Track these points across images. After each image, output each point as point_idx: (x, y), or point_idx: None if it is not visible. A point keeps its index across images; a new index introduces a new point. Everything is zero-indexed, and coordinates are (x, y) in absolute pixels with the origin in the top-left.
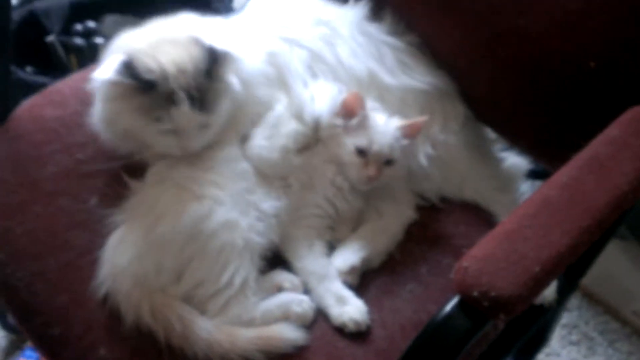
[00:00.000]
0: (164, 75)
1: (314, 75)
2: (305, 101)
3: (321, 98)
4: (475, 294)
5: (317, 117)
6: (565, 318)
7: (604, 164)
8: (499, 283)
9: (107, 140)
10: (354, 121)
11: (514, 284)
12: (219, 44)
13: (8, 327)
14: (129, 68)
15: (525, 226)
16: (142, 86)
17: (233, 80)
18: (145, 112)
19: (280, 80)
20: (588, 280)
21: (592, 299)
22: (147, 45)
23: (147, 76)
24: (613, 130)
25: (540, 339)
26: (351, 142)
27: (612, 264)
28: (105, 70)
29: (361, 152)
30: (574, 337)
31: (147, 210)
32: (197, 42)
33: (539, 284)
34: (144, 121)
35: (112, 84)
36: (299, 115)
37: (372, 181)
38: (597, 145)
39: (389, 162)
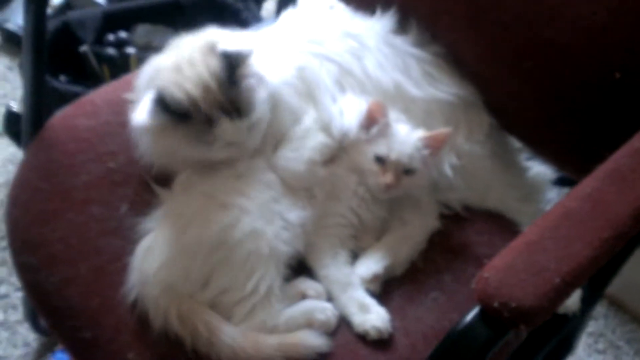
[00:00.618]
0: (194, 103)
1: (342, 89)
2: (334, 116)
3: (350, 112)
4: (495, 304)
5: (346, 131)
6: (592, 326)
7: (626, 175)
8: (519, 294)
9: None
10: (375, 129)
11: (534, 295)
12: (232, 45)
13: (39, 330)
14: (161, 104)
15: (546, 237)
16: (179, 119)
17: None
18: (195, 140)
19: (309, 94)
20: (615, 288)
21: (619, 308)
22: (170, 71)
23: (180, 109)
24: (636, 142)
25: (566, 348)
26: (371, 150)
27: (638, 272)
28: (141, 114)
29: (380, 160)
30: (600, 346)
31: (175, 218)
32: (212, 50)
33: (560, 295)
34: (198, 147)
35: (151, 124)
36: (327, 129)
37: (389, 189)
38: (620, 157)
39: (408, 171)
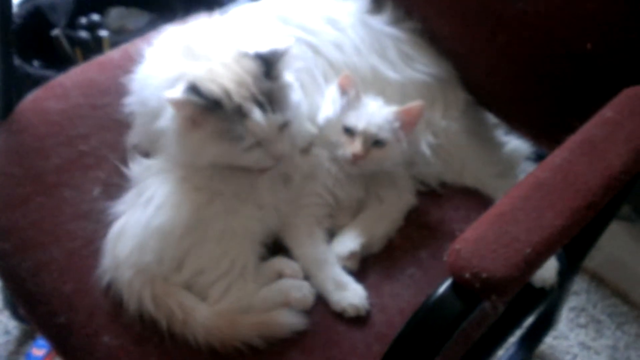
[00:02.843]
0: (226, 93)
1: (327, 81)
2: (321, 109)
3: (331, 102)
4: (467, 275)
5: (329, 120)
6: (573, 301)
7: (597, 145)
8: (490, 265)
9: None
10: (345, 100)
11: (505, 265)
12: (264, 47)
13: (20, 317)
14: (194, 89)
15: (517, 208)
16: (210, 107)
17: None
18: (224, 135)
19: (302, 83)
20: (596, 262)
21: (600, 282)
22: (202, 72)
23: (212, 96)
24: (607, 112)
25: (547, 322)
26: (341, 122)
27: (619, 246)
28: (174, 92)
29: (349, 131)
30: (582, 320)
31: (146, 200)
32: (245, 55)
33: (531, 265)
34: (227, 144)
35: (182, 106)
36: (313, 120)
37: (357, 161)
38: (591, 127)
39: (377, 143)
